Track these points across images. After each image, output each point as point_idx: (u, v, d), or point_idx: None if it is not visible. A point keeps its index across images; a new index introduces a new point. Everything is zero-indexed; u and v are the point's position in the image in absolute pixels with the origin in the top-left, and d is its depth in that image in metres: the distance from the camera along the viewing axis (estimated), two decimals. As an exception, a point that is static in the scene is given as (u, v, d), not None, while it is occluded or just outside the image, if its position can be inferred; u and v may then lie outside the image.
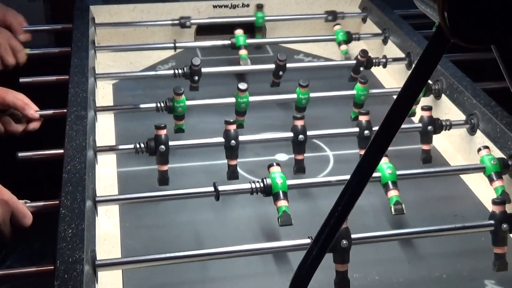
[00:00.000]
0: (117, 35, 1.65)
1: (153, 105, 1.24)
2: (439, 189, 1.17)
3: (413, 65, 0.55)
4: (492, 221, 0.94)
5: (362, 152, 1.14)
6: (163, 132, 1.10)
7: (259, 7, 1.67)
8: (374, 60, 1.45)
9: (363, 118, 1.16)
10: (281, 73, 1.39)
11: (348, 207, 0.57)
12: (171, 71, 1.36)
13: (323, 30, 1.75)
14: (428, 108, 1.19)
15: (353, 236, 0.87)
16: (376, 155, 0.56)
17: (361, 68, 1.44)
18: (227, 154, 1.12)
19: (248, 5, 1.74)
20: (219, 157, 1.18)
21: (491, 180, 1.08)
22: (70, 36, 1.46)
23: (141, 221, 1.06)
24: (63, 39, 1.54)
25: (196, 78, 1.35)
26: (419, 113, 1.22)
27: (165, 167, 1.11)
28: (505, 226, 0.93)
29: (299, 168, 1.14)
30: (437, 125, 1.19)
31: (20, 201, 0.94)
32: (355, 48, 1.67)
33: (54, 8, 1.96)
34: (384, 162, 1.04)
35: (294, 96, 1.28)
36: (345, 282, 0.88)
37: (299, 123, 1.13)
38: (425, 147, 1.20)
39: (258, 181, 1.00)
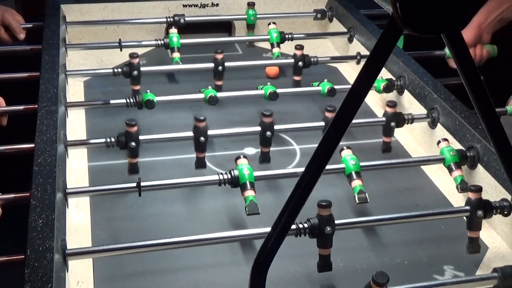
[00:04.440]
0: (88, 34, 1.65)
1: (123, 101, 1.25)
2: (402, 180, 1.19)
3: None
4: (468, 207, 0.97)
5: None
6: (133, 129, 1.11)
7: (251, 5, 1.67)
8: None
9: (329, 115, 1.19)
10: (268, 133, 1.17)
11: (305, 194, 0.58)
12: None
13: (294, 29, 1.78)
14: (393, 105, 1.22)
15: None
16: (331, 143, 0.57)
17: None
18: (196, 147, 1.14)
19: (217, 5, 1.75)
20: (188, 151, 1.19)
21: (450, 170, 1.10)
22: (41, 34, 1.46)
23: (112, 214, 1.07)
24: (34, 37, 1.54)
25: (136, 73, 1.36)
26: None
27: (134, 160, 1.12)
28: (480, 212, 0.96)
29: (264, 159, 1.17)
30: (400, 119, 1.22)
31: None
32: (321, 46, 1.70)
33: (25, 6, 1.95)
34: (348, 154, 1.06)
35: (262, 92, 1.31)
36: (328, 265, 0.91)
37: (267, 120, 1.16)
38: (386, 139, 1.24)
39: (226, 173, 1.01)
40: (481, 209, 0.96)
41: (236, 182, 1.00)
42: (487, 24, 1.50)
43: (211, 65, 1.42)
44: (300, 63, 1.46)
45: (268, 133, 1.16)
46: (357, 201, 1.03)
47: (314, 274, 0.92)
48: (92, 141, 1.16)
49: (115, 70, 1.36)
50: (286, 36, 1.57)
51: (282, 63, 1.53)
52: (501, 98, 1.55)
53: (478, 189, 0.97)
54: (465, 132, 1.15)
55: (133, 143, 1.11)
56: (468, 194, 0.98)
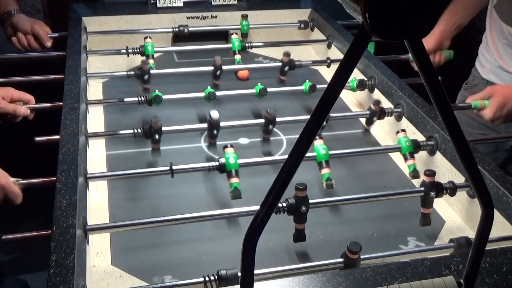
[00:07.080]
0: (105, 42, 1.64)
1: (136, 99, 1.24)
2: (372, 165, 1.18)
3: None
4: (422, 188, 0.96)
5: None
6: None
7: (244, 17, 1.65)
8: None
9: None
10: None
11: (288, 177, 0.58)
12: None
13: (282, 37, 1.77)
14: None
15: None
16: (311, 132, 0.57)
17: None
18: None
19: (216, 17, 1.74)
20: (194, 141, 1.20)
21: (405, 159, 1.10)
22: (65, 42, 1.45)
23: (126, 195, 1.06)
24: (59, 44, 1.53)
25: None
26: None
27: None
28: (432, 193, 0.96)
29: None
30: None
31: (13, 179, 0.93)
32: (304, 51, 1.69)
33: (52, 19, 1.93)
34: (320, 144, 1.05)
35: (254, 91, 1.30)
36: (302, 236, 0.90)
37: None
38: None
39: (214, 160, 1.00)
40: (433, 190, 0.96)
41: (223, 169, 1.00)
42: (447, 31, 1.50)
43: (211, 68, 1.41)
44: (286, 68, 1.47)
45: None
46: (325, 187, 1.02)
47: (300, 244, 0.92)
48: (109, 132, 1.14)
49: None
50: (246, 44, 1.55)
51: (270, 66, 1.53)
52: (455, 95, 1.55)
53: (432, 174, 0.96)
54: (425, 124, 1.15)
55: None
56: (423, 177, 0.97)
